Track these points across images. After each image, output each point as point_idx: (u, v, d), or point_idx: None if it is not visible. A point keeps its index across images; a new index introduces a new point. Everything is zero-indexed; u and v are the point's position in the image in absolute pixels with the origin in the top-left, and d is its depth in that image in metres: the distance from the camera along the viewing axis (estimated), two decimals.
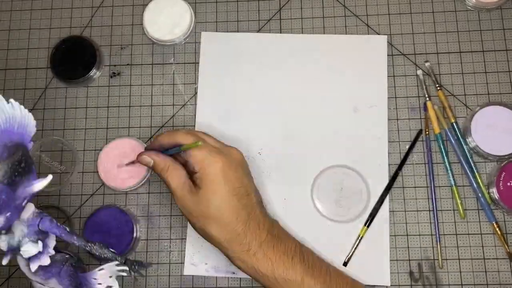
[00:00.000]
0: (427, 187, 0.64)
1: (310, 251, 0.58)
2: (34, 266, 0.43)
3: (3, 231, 0.41)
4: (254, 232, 0.54)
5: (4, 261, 0.42)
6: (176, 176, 0.55)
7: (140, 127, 0.69)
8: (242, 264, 0.55)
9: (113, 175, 0.66)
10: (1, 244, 0.41)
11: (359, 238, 0.63)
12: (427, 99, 0.65)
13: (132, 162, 0.63)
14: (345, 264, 0.62)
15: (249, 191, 0.56)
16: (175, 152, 0.56)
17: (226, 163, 0.54)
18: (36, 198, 0.68)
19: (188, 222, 0.58)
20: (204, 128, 0.67)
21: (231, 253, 0.55)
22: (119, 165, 0.65)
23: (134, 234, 0.64)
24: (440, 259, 0.62)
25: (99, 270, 0.51)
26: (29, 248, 0.42)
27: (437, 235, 0.62)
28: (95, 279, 0.50)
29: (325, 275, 0.55)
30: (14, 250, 0.42)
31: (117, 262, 0.49)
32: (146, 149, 0.60)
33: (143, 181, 0.66)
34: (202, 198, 0.54)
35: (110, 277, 0.50)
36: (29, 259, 0.43)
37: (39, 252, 0.43)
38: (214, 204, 0.53)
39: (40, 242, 0.42)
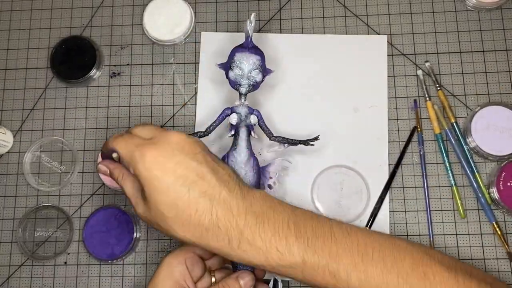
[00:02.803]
0: (428, 187, 0.64)
1: (306, 216, 0.48)
2: (254, 134, 0.59)
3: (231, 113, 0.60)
4: (228, 221, 0.45)
5: (229, 134, 0.59)
6: (129, 183, 0.50)
7: None
8: (232, 259, 0.48)
9: None
10: (232, 119, 0.59)
11: None
12: (427, 99, 0.65)
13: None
14: None
15: (201, 173, 0.46)
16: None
17: (157, 152, 0.46)
18: (36, 197, 0.68)
19: None
20: (204, 128, 0.67)
21: (214, 251, 0.48)
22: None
23: (134, 234, 0.64)
24: None
25: (272, 164, 0.61)
26: (254, 119, 0.59)
27: (430, 234, 0.62)
28: (268, 172, 0.60)
29: (330, 244, 0.46)
30: (239, 124, 0.59)
31: (282, 158, 0.61)
32: (102, 152, 0.55)
33: None
34: (150, 201, 0.47)
35: (275, 174, 0.60)
36: (250, 129, 0.59)
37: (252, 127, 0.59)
38: (163, 204, 0.46)
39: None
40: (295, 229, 0.46)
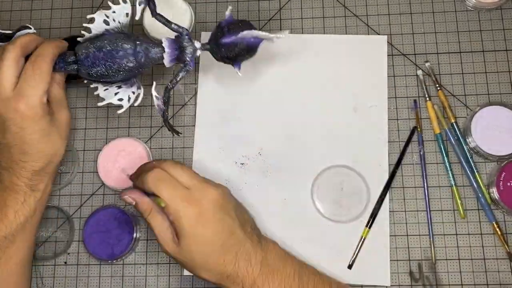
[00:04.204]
0: (427, 187, 0.64)
1: (311, 273, 0.56)
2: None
3: None
4: (246, 270, 0.52)
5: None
6: (158, 220, 0.53)
7: (140, 127, 0.68)
8: None
9: (113, 175, 0.66)
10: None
11: (362, 239, 0.62)
12: (427, 99, 0.65)
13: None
14: (349, 267, 0.62)
15: (233, 229, 0.53)
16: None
17: (200, 210, 0.52)
18: None
19: None
20: (204, 128, 0.67)
21: None
22: (124, 171, 0.66)
23: (134, 234, 0.64)
24: (433, 258, 0.62)
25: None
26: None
27: (431, 234, 0.62)
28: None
29: None
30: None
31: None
32: (130, 180, 0.59)
33: None
34: (183, 249, 0.52)
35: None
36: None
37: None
38: (197, 255, 0.52)
39: None
40: (299, 281, 0.53)
